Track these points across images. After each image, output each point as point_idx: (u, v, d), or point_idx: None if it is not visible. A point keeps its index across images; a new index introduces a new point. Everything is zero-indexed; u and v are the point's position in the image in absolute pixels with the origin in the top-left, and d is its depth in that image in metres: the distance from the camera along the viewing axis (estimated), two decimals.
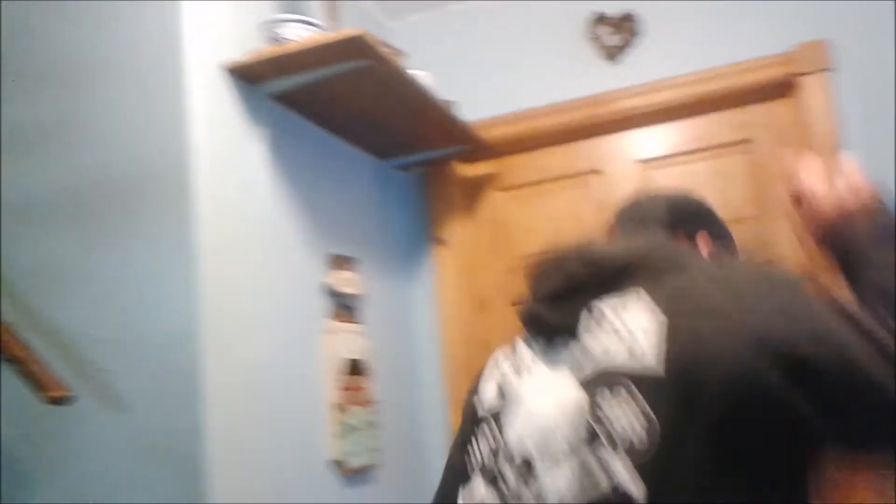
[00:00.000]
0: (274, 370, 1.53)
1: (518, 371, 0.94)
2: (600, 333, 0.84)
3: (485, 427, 0.91)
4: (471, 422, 0.95)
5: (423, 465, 2.12)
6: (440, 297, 2.21)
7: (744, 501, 0.74)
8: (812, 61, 1.96)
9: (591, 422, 0.78)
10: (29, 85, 1.52)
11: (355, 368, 1.80)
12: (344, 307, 1.81)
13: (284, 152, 1.67)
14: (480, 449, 0.90)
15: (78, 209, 1.45)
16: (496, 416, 0.90)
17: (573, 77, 2.14)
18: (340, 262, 1.82)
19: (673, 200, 1.12)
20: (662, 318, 0.79)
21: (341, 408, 1.71)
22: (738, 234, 1.98)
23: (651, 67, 2.09)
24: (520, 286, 2.21)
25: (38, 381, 1.28)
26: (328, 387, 1.69)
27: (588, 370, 0.83)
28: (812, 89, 1.96)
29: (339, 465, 1.67)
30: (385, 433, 1.90)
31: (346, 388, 1.74)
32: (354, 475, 1.74)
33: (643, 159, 2.16)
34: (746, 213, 2.05)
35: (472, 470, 0.90)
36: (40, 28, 1.52)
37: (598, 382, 0.80)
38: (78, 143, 1.47)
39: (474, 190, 2.30)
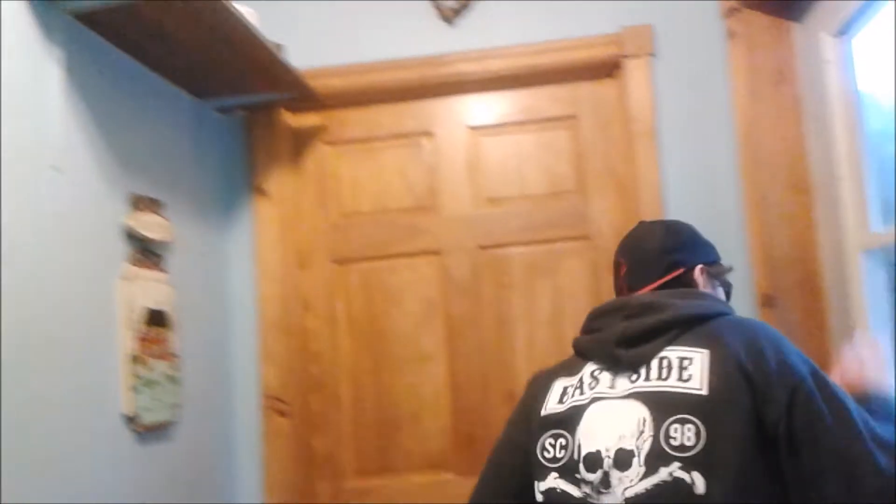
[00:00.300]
0: (61, 313, 1.39)
1: (584, 389, 1.18)
2: (659, 366, 1.13)
3: (557, 433, 1.18)
4: (539, 429, 1.20)
5: (229, 424, 2.03)
6: (259, 251, 2.11)
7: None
8: (636, 45, 2.04)
9: (653, 431, 1.07)
10: None
11: (157, 319, 1.67)
12: (146, 252, 1.68)
13: (84, 78, 1.50)
14: (555, 451, 1.17)
15: None
16: (567, 425, 1.16)
17: (410, 35, 2.11)
18: (144, 203, 1.68)
19: (671, 237, 1.32)
20: (705, 352, 1.10)
21: (138, 360, 1.58)
22: (560, 207, 2.10)
23: (486, 34, 2.09)
24: (342, 244, 2.16)
25: None
26: (124, 337, 1.56)
27: (649, 391, 1.10)
28: (634, 72, 2.04)
29: (132, 420, 1.55)
30: (188, 389, 1.79)
31: (145, 340, 1.62)
32: (148, 432, 1.62)
33: (474, 126, 2.17)
34: (568, 187, 2.12)
35: (544, 468, 1.16)
36: None
37: (658, 400, 1.09)
38: None
39: (300, 141, 2.20)
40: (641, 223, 1.40)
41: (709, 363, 1.09)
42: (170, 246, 1.77)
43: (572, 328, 2.05)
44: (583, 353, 1.25)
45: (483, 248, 2.13)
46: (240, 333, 2.09)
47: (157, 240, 1.70)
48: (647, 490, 1.04)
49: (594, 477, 1.09)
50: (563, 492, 1.12)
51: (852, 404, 1.04)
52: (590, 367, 1.21)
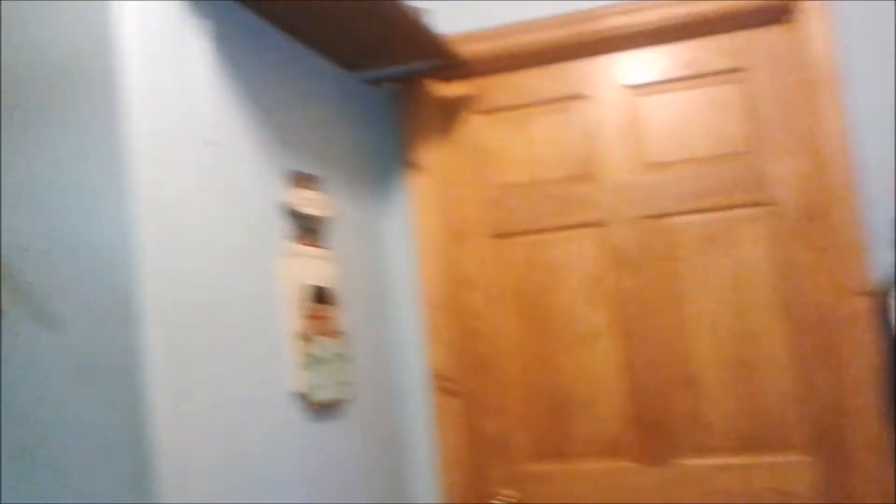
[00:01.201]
0: (224, 291, 1.34)
1: None
2: None
3: None
4: None
5: (400, 402, 1.98)
6: (417, 227, 2.04)
7: None
8: None
9: None
10: None
11: (321, 296, 1.62)
12: (307, 229, 1.63)
13: (233, 51, 1.46)
14: None
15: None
16: None
17: None
18: (302, 179, 1.63)
19: None
20: None
21: (306, 337, 1.53)
22: (732, 170, 1.92)
23: None
24: (499, 218, 2.07)
25: None
26: (289, 314, 1.51)
27: None
28: (811, 15, 1.83)
29: (304, 397, 1.50)
30: (356, 367, 1.74)
31: (311, 317, 1.57)
32: (322, 409, 1.57)
33: (631, 85, 2.01)
34: (741, 148, 1.93)
35: None
36: None
37: None
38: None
39: (450, 112, 2.12)
40: None
41: None
42: (329, 222, 1.71)
43: (757, 307, 1.87)
44: None
45: (648, 217, 1.97)
46: (403, 310, 2.04)
47: (318, 216, 1.65)
48: None
49: None
50: None
51: None
52: None
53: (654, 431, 1.91)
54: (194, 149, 1.32)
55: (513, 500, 1.96)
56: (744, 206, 1.91)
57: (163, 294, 1.19)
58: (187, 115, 1.32)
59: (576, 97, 2.04)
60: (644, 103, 2.00)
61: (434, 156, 2.06)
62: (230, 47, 1.46)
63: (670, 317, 1.93)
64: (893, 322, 1.69)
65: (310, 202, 1.62)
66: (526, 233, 2.04)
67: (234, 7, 1.49)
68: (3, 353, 1.21)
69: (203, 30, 1.39)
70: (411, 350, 2.02)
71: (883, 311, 1.71)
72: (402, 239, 2.05)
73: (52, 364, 1.18)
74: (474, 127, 2.11)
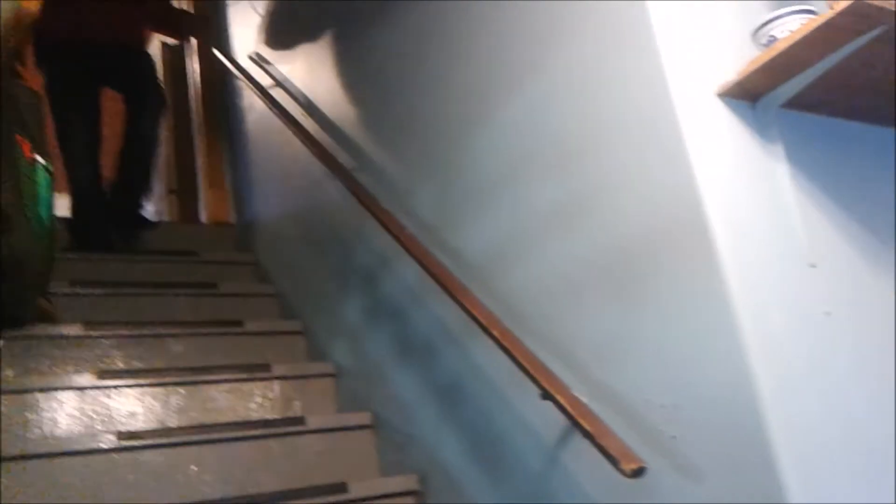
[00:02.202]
0: (853, 416, 1.25)
1: None
2: None
3: None
4: None
5: None
6: None
7: None
8: None
9: None
10: (533, 169, 1.61)
11: None
12: None
13: (808, 163, 1.39)
14: None
15: (606, 277, 1.45)
16: None
17: None
18: None
19: None
20: None
21: None
22: None
23: None
24: None
25: (612, 453, 1.27)
26: None
27: None
28: None
29: None
30: None
31: None
32: None
33: None
34: None
35: None
36: (540, 117, 1.60)
37: None
38: (591, 215, 1.48)
39: None
40: None
41: None
42: None
43: None
44: None
45: None
46: None
47: None
48: None
49: None
50: None
51: None
52: None
53: None
54: (792, 272, 1.31)
55: None
56: None
57: (791, 433, 1.17)
58: (776, 243, 1.31)
59: None
60: None
61: None
62: (802, 159, 1.39)
63: None
64: None
65: None
66: None
67: (796, 117, 1.42)
68: None
69: (775, 154, 1.38)
70: None
71: None
72: None
73: None
74: None
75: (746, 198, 1.32)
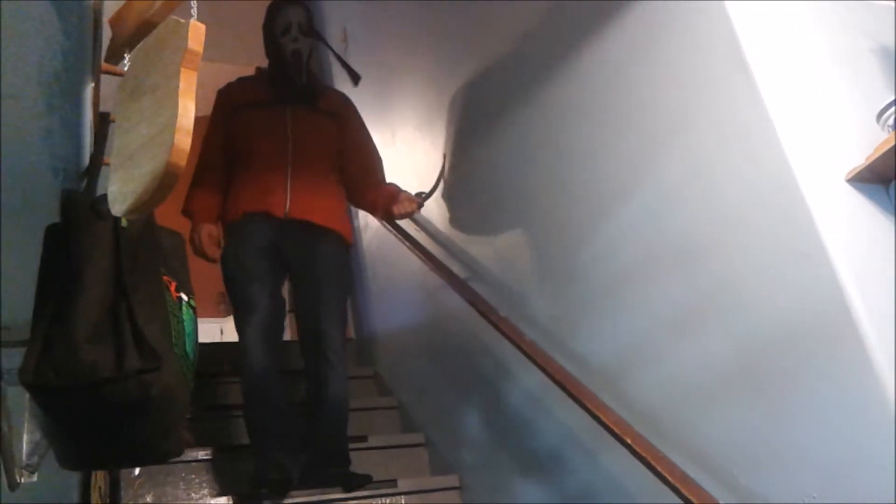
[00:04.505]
0: None
1: None
2: None
3: None
4: None
5: None
6: None
7: None
8: None
9: None
10: (655, 270, 1.61)
11: None
12: None
13: None
14: None
15: (743, 377, 1.41)
16: None
17: None
18: None
19: None
20: None
21: None
22: None
23: None
24: None
25: None
26: None
27: None
28: None
29: None
30: None
31: None
32: None
33: None
34: None
35: None
36: (659, 218, 1.62)
37: None
38: (721, 314, 1.46)
39: None
40: None
41: None
42: None
43: None
44: None
45: None
46: None
47: None
48: None
49: None
50: None
51: None
52: None
53: None
54: None
55: None
56: None
57: None
58: None
59: None
60: None
61: None
62: None
63: None
64: None
65: None
66: None
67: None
68: None
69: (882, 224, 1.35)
70: None
71: None
72: None
73: None
74: None
75: (889, 285, 1.25)
